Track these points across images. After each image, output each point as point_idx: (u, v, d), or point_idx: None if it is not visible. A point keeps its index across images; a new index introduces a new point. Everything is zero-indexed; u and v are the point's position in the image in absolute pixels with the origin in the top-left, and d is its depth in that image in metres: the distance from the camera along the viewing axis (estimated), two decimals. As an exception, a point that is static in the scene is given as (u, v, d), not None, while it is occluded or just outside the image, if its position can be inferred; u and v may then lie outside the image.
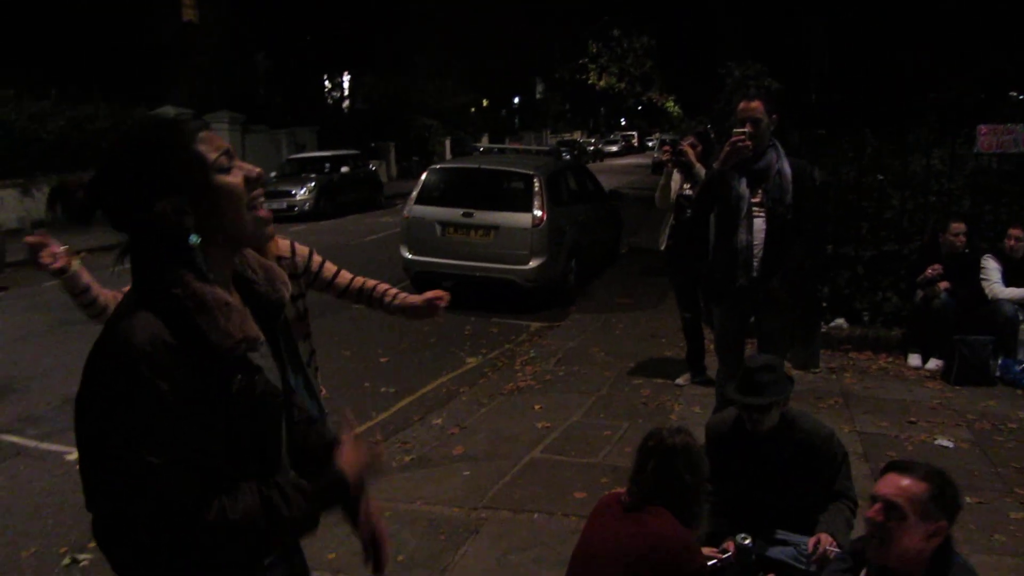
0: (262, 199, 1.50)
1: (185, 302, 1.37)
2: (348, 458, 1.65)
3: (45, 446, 5.28)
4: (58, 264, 2.62)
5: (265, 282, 1.61)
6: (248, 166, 1.48)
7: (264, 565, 1.58)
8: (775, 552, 3.38)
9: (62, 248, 2.65)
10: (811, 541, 3.23)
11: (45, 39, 19.46)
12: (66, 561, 3.87)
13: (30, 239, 2.63)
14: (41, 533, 4.14)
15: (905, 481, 2.24)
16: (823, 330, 7.32)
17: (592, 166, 24.31)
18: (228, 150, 1.45)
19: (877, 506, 2.27)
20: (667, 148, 6.19)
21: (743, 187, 4.24)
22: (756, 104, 4.22)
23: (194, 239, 1.40)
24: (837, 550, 3.18)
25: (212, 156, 1.42)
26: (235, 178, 1.44)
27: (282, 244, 2.97)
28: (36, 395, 6.20)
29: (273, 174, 19.91)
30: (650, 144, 55.70)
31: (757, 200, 4.24)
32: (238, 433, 1.45)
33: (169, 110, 19.90)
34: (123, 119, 18.01)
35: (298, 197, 18.27)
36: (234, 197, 1.44)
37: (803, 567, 3.26)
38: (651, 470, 2.71)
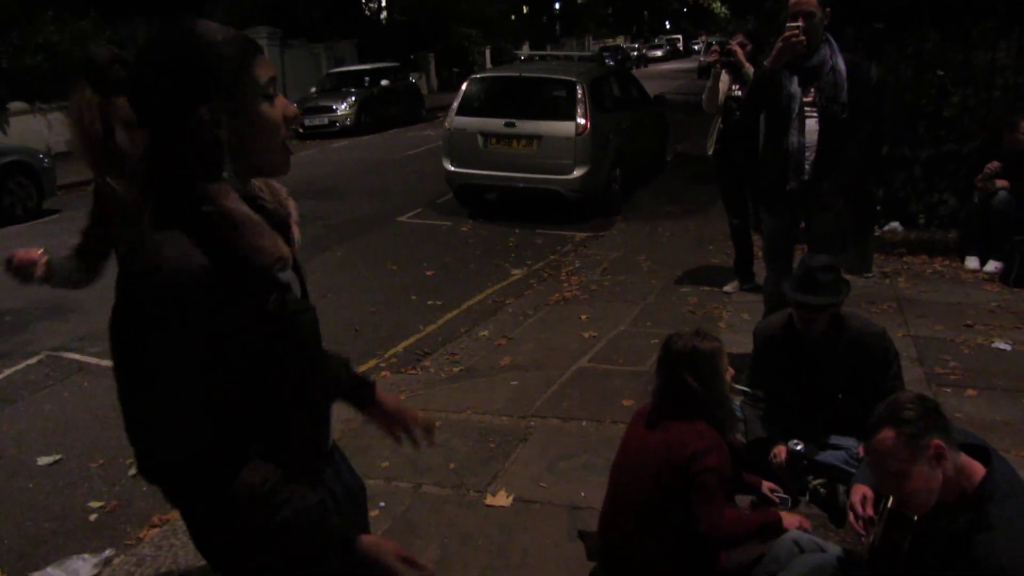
0: (291, 137, 1.46)
1: (216, 219, 1.32)
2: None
3: (106, 363, 5.41)
4: (40, 271, 2.48)
5: (271, 199, 1.56)
6: (287, 103, 1.44)
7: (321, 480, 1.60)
8: (826, 456, 3.38)
9: (38, 254, 2.49)
10: (861, 446, 3.20)
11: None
12: (132, 471, 4.04)
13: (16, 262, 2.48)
14: (108, 445, 4.31)
15: (877, 442, 2.09)
16: (877, 234, 7.15)
17: (636, 72, 23.71)
18: (274, 77, 1.42)
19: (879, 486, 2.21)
20: (715, 49, 5.96)
21: (795, 86, 4.06)
22: None
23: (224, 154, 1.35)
24: None
25: (263, 80, 1.38)
26: (276, 109, 1.40)
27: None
28: (94, 314, 6.36)
29: (313, 89, 19.78)
30: (695, 48, 54.02)
31: (809, 99, 4.07)
32: (276, 354, 1.43)
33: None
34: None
35: (339, 112, 18.15)
36: (270, 128, 1.40)
37: (854, 471, 3.25)
38: (659, 383, 2.68)
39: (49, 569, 3.24)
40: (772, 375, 3.50)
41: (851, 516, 2.53)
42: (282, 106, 1.41)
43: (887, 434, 2.06)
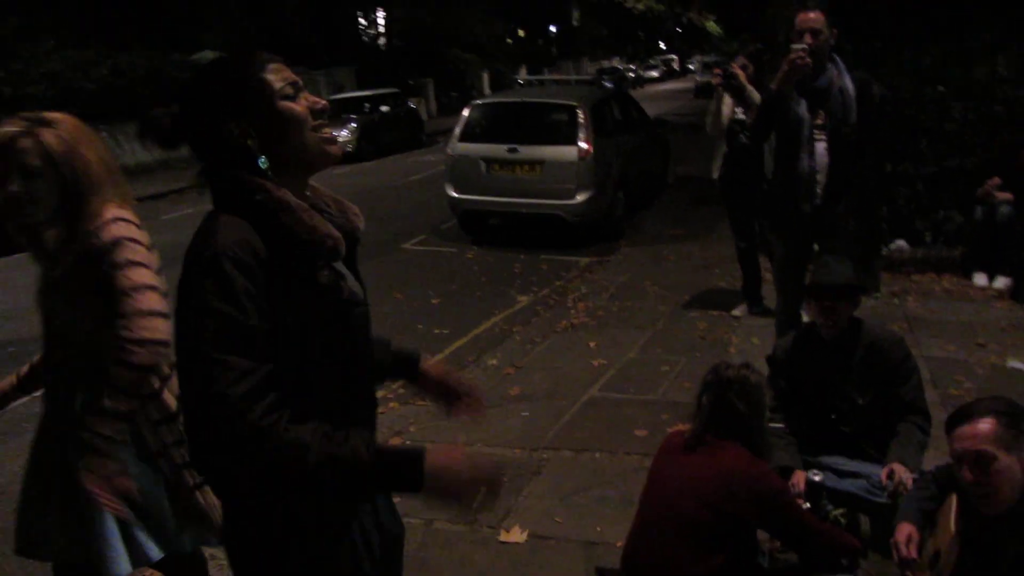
0: (327, 126, 1.58)
1: (268, 204, 1.45)
2: (443, 458, 1.45)
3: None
4: None
5: (338, 214, 1.66)
6: (315, 98, 1.57)
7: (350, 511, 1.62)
8: (846, 485, 3.31)
9: None
10: (884, 472, 3.14)
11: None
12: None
13: None
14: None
15: (975, 427, 2.16)
16: (883, 252, 7.11)
17: (633, 93, 23.79)
18: (296, 82, 1.55)
19: (965, 466, 2.18)
20: (717, 71, 5.94)
21: (803, 109, 4.02)
22: (815, 15, 3.96)
23: (263, 162, 1.49)
24: (914, 476, 3.10)
25: (278, 84, 1.51)
26: (299, 105, 1.53)
27: (105, 217, 2.13)
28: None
29: (313, 117, 19.85)
30: (691, 68, 54.31)
31: (819, 122, 4.03)
32: (327, 338, 1.50)
33: (207, 54, 19.86)
34: (162, 65, 18.01)
35: (340, 139, 17.83)
36: (296, 121, 1.52)
37: (877, 499, 3.19)
38: (706, 403, 2.72)
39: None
40: (789, 395, 3.44)
41: (896, 554, 2.50)
42: (308, 101, 1.55)
43: (988, 422, 2.15)
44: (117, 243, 2.08)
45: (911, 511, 2.62)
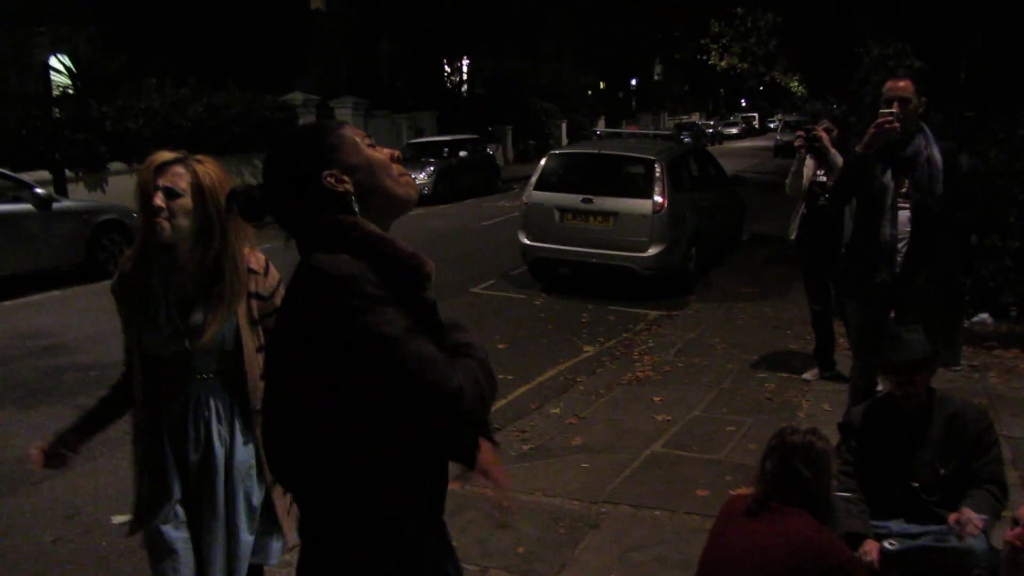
0: (405, 173, 1.73)
1: (368, 238, 1.56)
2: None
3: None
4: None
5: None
6: (387, 149, 1.73)
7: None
8: (916, 544, 3.19)
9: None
10: (952, 517, 3.05)
11: (182, 29, 20.40)
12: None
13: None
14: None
15: None
16: (965, 325, 6.88)
17: (711, 149, 23.70)
18: (366, 135, 1.71)
19: (1018, 530, 2.08)
20: (800, 133, 5.90)
21: (887, 177, 3.97)
22: (904, 83, 3.94)
23: (355, 204, 1.61)
24: (983, 517, 2.98)
25: (359, 137, 1.68)
26: (381, 151, 1.69)
27: (258, 257, 2.49)
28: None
29: (393, 158, 20.36)
30: (771, 126, 53.84)
31: (904, 191, 3.96)
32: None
33: (297, 96, 20.59)
34: (256, 105, 18.69)
35: (418, 181, 18.46)
36: (384, 166, 1.67)
37: (946, 544, 3.08)
38: (769, 469, 2.67)
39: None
40: (863, 463, 3.36)
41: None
42: (387, 151, 1.71)
43: None
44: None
45: None
